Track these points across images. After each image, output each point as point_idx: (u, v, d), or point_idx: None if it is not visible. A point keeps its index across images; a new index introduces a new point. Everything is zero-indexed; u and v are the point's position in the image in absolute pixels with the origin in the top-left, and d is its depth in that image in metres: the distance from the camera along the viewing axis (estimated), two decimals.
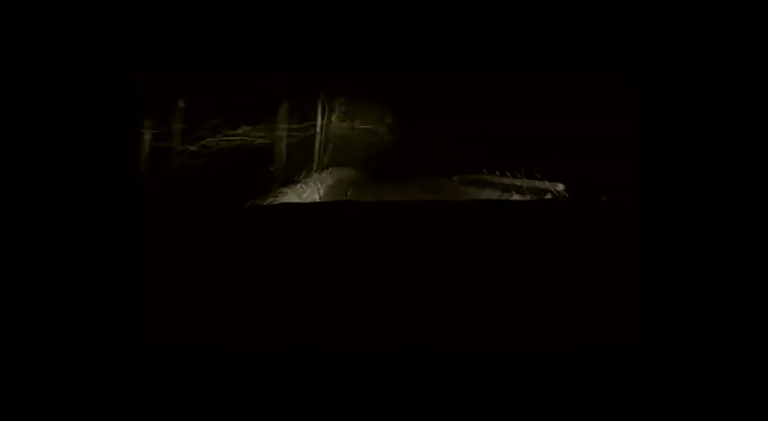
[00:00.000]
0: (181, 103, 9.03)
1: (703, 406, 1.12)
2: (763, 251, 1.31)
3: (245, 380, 1.16)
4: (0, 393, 1.13)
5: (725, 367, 1.18)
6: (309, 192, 9.48)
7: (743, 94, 1.43)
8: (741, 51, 1.45)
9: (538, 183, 9.11)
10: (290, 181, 9.75)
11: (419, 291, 1.52)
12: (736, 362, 1.18)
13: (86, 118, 1.43)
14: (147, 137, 7.81)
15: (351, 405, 1.11)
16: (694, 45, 1.49)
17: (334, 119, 14.41)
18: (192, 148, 9.76)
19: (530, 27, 1.79)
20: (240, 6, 1.82)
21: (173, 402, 1.11)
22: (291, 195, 8.54)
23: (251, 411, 1.10)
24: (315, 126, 13.97)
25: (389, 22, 1.87)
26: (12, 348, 1.19)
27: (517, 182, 9.57)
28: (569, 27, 1.76)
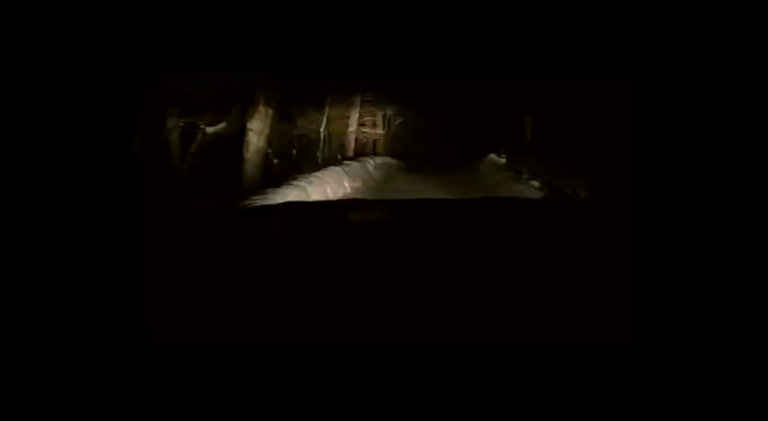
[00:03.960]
0: (181, 103, 9.03)
1: (703, 409, 1.12)
2: (766, 252, 1.30)
3: (245, 380, 1.16)
4: None
5: (726, 370, 1.17)
6: (322, 185, 9.47)
7: (745, 94, 1.42)
8: (744, 49, 1.43)
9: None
10: (301, 174, 9.73)
11: (419, 291, 1.51)
12: (737, 366, 1.17)
13: (85, 118, 1.43)
14: (147, 136, 7.81)
15: (351, 405, 1.11)
16: (696, 42, 1.48)
17: (336, 115, 14.58)
18: (192, 148, 9.78)
19: (528, 25, 1.78)
20: (241, 6, 1.82)
21: (172, 402, 1.11)
22: (300, 189, 8.53)
23: (251, 411, 1.10)
24: (321, 122, 14.09)
25: (390, 22, 1.87)
26: (10, 348, 1.19)
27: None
28: (568, 24, 1.75)
